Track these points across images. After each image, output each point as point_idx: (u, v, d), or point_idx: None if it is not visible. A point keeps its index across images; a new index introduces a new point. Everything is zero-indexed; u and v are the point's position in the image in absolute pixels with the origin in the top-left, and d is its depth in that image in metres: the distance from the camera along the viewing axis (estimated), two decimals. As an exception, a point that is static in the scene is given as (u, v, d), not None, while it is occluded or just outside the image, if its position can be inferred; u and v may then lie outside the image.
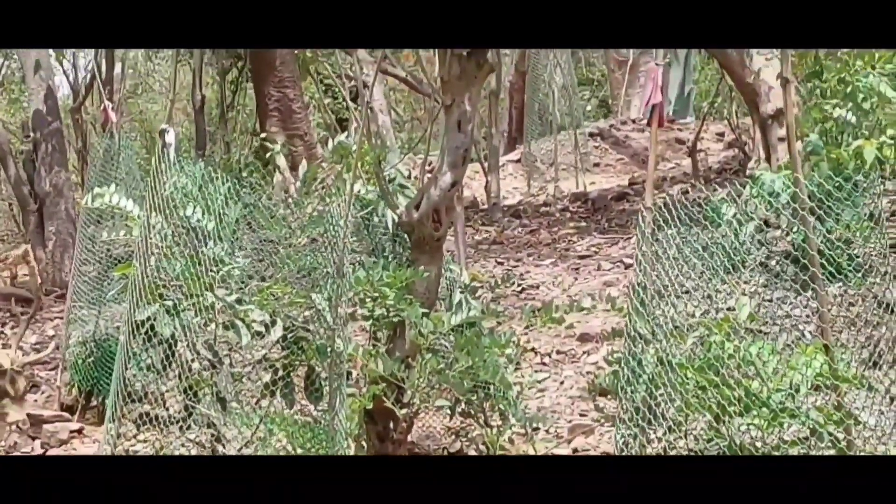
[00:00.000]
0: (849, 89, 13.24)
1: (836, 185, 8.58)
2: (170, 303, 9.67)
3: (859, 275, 8.92)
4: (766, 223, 9.68)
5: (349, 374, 10.32)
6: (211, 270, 9.73)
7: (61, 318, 16.74)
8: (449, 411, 13.56)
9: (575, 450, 13.90)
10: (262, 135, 23.03)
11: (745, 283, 8.96)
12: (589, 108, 30.56)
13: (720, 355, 7.66)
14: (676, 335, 7.85)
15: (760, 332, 8.41)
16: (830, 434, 7.48)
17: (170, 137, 10.10)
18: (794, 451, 7.63)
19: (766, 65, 17.69)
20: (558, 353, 16.03)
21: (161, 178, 9.88)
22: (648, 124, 9.09)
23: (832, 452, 7.56)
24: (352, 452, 10.53)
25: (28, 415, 14.55)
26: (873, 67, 13.24)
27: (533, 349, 15.96)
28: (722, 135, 25.38)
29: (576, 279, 18.83)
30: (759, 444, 7.61)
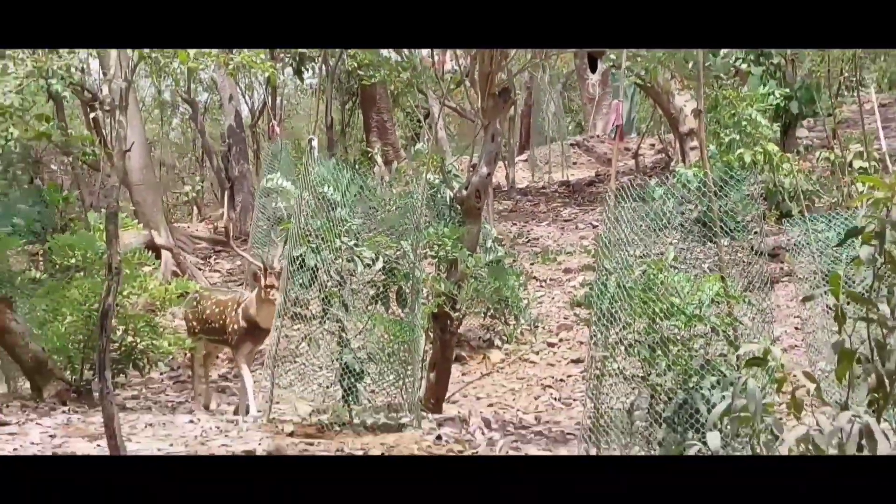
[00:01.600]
0: (736, 118, 13.19)
1: (728, 176, 8.56)
2: (314, 245, 9.72)
3: (741, 233, 8.91)
4: (683, 200, 9.66)
5: (423, 291, 10.36)
6: (338, 226, 9.78)
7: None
8: (483, 315, 13.64)
9: (560, 339, 13.94)
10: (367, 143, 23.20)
11: (669, 238, 8.94)
12: (570, 127, 30.38)
13: (655, 282, 7.65)
14: (628, 268, 7.82)
15: (680, 268, 8.36)
16: (724, 331, 7.46)
17: (314, 143, 10.14)
18: (700, 342, 7.58)
19: (683, 102, 17.58)
20: (551, 279, 16.04)
21: (309, 168, 9.92)
22: (613, 139, 9.10)
23: (723, 343, 7.52)
24: (423, 340, 10.56)
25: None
26: (752, 105, 13.20)
27: (535, 277, 15.97)
28: (654, 145, 25.20)
29: (562, 234, 18.81)
30: (678, 337, 7.58)
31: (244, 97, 26.41)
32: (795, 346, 12.04)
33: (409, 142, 25.99)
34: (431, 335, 11.07)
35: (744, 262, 8.89)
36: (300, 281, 9.69)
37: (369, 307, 9.95)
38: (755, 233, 9.38)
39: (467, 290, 11.34)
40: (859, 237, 4.63)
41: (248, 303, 10.46)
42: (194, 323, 11.10)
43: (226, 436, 9.07)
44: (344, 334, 9.80)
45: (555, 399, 12.26)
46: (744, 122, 13.31)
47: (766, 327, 8.09)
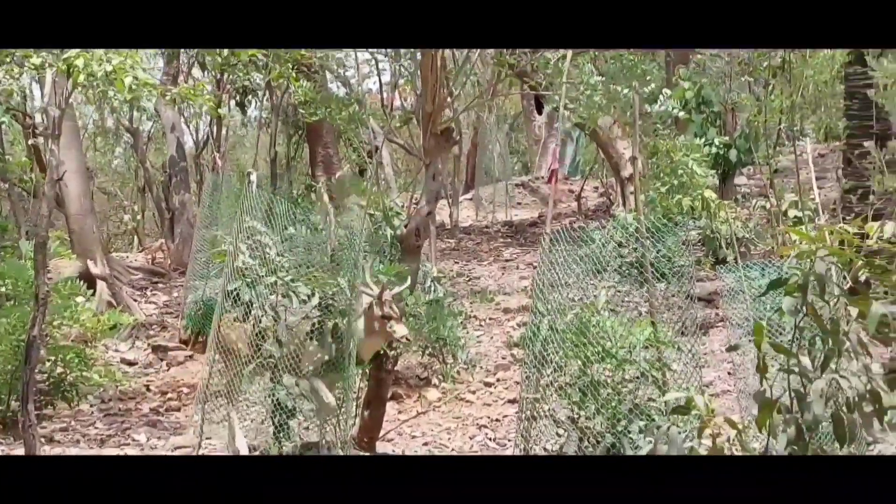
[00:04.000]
0: (673, 166, 13.35)
1: (661, 224, 8.64)
2: (248, 279, 9.67)
3: (675, 278, 8.97)
4: (620, 244, 9.73)
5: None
6: (273, 261, 9.74)
7: (182, 285, 16.72)
8: (421, 353, 13.62)
9: (498, 379, 13.93)
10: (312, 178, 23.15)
11: (607, 281, 8.99)
12: (516, 167, 30.55)
13: (587, 325, 7.70)
14: (561, 311, 7.86)
15: (615, 311, 8.41)
16: (653, 375, 7.51)
17: (253, 177, 10.10)
18: (630, 387, 7.63)
19: (623, 147, 17.75)
20: (490, 319, 16.05)
21: (245, 202, 9.89)
22: (548, 181, 9.17)
23: (653, 389, 7.57)
24: (358, 378, 10.49)
25: (158, 345, 14.54)
26: (688, 154, 13.38)
27: (475, 316, 15.97)
28: (597, 188, 25.39)
29: (503, 274, 18.85)
30: (609, 381, 7.63)
31: (188, 127, 26.26)
32: (728, 391, 12.13)
33: (362, 178, 26.02)
34: (367, 372, 11.02)
35: (679, 307, 8.97)
36: (233, 316, 9.62)
37: (304, 343, 9.89)
38: (690, 278, 9.47)
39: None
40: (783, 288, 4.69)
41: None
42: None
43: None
44: (277, 371, 9.73)
45: (490, 439, 12.22)
46: (680, 171, 13.48)
47: (696, 372, 8.16)
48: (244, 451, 9.64)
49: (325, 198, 19.81)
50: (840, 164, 15.17)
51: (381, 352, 10.54)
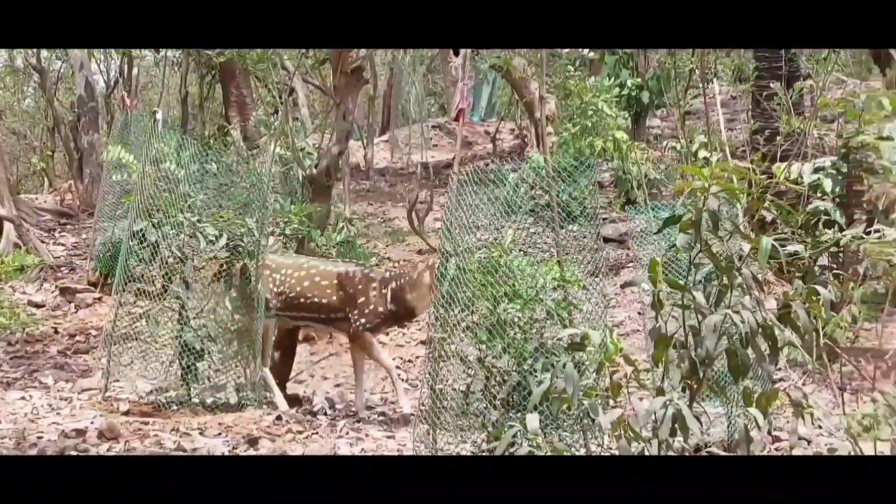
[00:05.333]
0: (584, 107, 13.39)
1: (575, 165, 8.66)
2: (155, 220, 9.55)
3: (586, 219, 9.02)
4: (533, 186, 9.76)
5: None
6: (181, 201, 9.63)
7: (91, 227, 16.46)
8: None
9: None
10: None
11: (520, 223, 9.01)
12: (433, 109, 30.43)
13: (496, 265, 7.71)
14: (469, 252, 7.87)
15: (526, 252, 8.44)
16: (559, 315, 7.55)
17: (159, 116, 9.96)
18: (537, 326, 7.66)
19: (537, 88, 17.73)
20: (405, 261, 16.04)
21: (151, 143, 9.74)
22: (454, 120, 9.15)
23: (560, 327, 7.60)
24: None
25: (66, 287, 14.32)
26: (598, 95, 13.42)
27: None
28: (513, 130, 25.40)
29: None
30: (517, 320, 7.66)
31: (100, 67, 25.73)
32: (637, 330, 12.29)
33: (271, 118, 25.71)
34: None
35: (591, 248, 9.04)
36: (140, 257, 9.52)
37: (211, 285, 9.82)
38: (595, 219, 9.52)
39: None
40: (677, 225, 4.74)
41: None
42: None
43: (57, 413, 8.87)
44: (184, 312, 9.65)
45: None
46: (590, 112, 13.55)
47: (602, 312, 8.23)
48: (283, 407, 9.57)
49: (238, 138, 19.63)
50: (749, 106, 15.34)
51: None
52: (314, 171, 10.48)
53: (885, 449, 6.73)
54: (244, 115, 22.91)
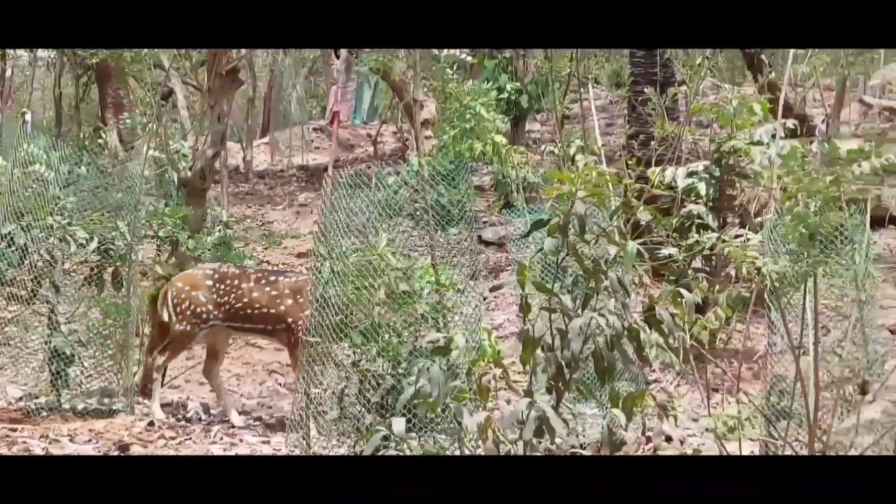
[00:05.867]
0: (462, 110, 13.47)
1: (450, 169, 8.72)
2: (24, 223, 9.34)
3: (465, 223, 9.07)
4: (415, 189, 9.78)
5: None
6: (50, 204, 9.42)
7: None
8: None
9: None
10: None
11: (400, 226, 9.04)
12: (314, 112, 30.27)
13: (372, 269, 7.71)
14: (343, 255, 7.86)
15: (407, 255, 8.44)
16: (433, 318, 7.59)
17: (28, 117, 9.74)
18: (411, 329, 7.69)
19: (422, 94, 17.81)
20: (283, 264, 15.95)
21: (20, 144, 9.52)
22: (329, 123, 9.15)
23: (435, 330, 7.63)
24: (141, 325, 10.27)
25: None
26: (476, 99, 13.54)
27: (267, 261, 15.84)
28: (396, 132, 25.44)
29: (297, 219, 18.76)
30: (392, 323, 7.68)
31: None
32: (515, 332, 12.40)
33: (150, 120, 25.31)
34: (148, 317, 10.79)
35: (471, 250, 9.09)
36: (8, 260, 9.28)
37: (82, 289, 9.62)
38: (484, 223, 9.57)
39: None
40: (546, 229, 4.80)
41: None
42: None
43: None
44: (54, 316, 9.44)
45: (279, 384, 12.18)
46: (468, 115, 13.65)
47: (480, 315, 8.29)
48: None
49: (114, 140, 19.27)
50: (626, 111, 15.59)
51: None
52: (188, 173, 10.35)
53: (754, 449, 6.92)
54: (120, 116, 22.54)
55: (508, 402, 4.51)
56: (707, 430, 8.52)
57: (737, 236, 5.68)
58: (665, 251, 12.70)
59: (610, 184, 4.97)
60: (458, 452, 6.75)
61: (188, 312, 9.50)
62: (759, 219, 9.51)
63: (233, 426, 9.50)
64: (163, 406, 9.87)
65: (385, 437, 4.93)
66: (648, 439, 9.10)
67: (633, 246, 4.71)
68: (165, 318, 9.50)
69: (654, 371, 11.09)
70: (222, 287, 9.53)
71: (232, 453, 8.53)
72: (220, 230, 12.53)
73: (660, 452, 5.26)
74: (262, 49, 14.59)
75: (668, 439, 9.70)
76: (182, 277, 9.73)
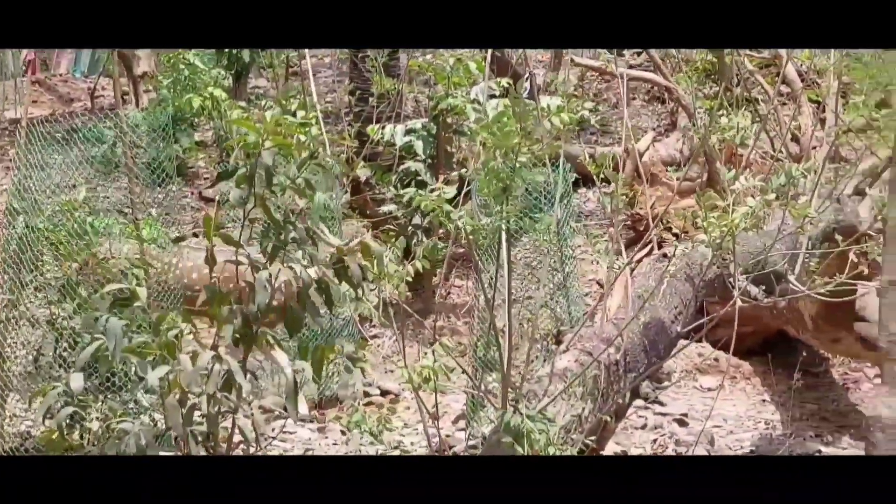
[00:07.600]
0: (175, 62, 13.15)
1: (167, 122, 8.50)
2: None
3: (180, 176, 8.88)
4: (135, 145, 9.49)
5: None
6: None
7: None
8: None
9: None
10: None
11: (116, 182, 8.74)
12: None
13: (66, 224, 7.46)
14: (39, 210, 7.56)
15: (121, 211, 8.19)
16: (134, 274, 7.40)
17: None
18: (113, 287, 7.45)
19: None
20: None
21: None
22: (26, 72, 8.73)
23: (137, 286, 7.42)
24: None
25: None
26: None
27: None
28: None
29: (6, 175, 17.88)
30: (90, 279, 7.45)
31: None
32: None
33: None
34: None
35: (192, 206, 8.91)
36: None
37: None
38: (205, 179, 9.37)
39: None
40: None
41: None
42: None
43: None
44: None
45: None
46: (182, 66, 13.35)
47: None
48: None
49: None
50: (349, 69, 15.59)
51: None
52: None
53: (449, 401, 7.09)
54: None
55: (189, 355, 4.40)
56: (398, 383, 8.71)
57: (432, 190, 5.78)
58: (385, 208, 12.90)
59: (299, 135, 4.94)
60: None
61: None
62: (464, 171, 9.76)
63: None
64: None
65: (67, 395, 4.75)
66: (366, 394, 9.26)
67: (320, 197, 4.69)
68: None
69: (374, 326, 11.25)
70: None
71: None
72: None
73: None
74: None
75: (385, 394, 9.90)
76: None
